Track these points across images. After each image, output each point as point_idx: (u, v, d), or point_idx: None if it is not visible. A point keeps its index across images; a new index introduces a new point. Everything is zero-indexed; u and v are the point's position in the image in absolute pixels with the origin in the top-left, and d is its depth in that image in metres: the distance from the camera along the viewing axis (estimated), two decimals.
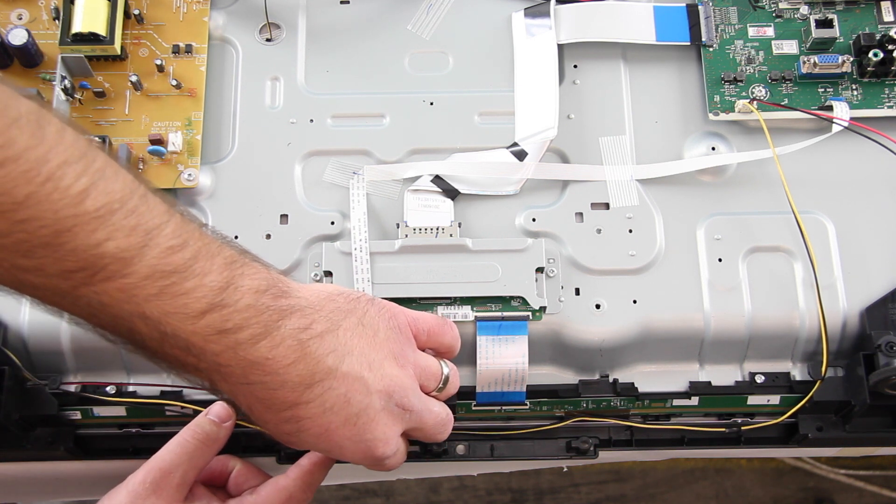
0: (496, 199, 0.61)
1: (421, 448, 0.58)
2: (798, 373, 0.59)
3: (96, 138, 0.59)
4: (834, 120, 0.60)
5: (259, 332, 0.43)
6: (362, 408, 0.46)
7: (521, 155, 0.61)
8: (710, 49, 0.64)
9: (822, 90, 0.62)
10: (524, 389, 0.57)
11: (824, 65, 0.62)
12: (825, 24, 0.62)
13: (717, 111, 0.62)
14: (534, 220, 0.60)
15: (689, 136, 0.62)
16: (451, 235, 0.58)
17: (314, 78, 0.64)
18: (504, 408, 0.59)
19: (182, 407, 0.57)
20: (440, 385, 0.51)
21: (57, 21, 0.63)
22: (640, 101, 0.63)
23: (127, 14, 0.63)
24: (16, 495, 0.69)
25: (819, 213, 0.60)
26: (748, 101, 0.61)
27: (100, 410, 0.58)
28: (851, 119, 0.60)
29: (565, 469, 0.93)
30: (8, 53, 0.61)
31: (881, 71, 0.62)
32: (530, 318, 0.57)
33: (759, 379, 0.58)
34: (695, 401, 0.58)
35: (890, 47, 0.61)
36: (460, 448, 0.59)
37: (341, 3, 0.66)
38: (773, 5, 0.65)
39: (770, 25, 0.64)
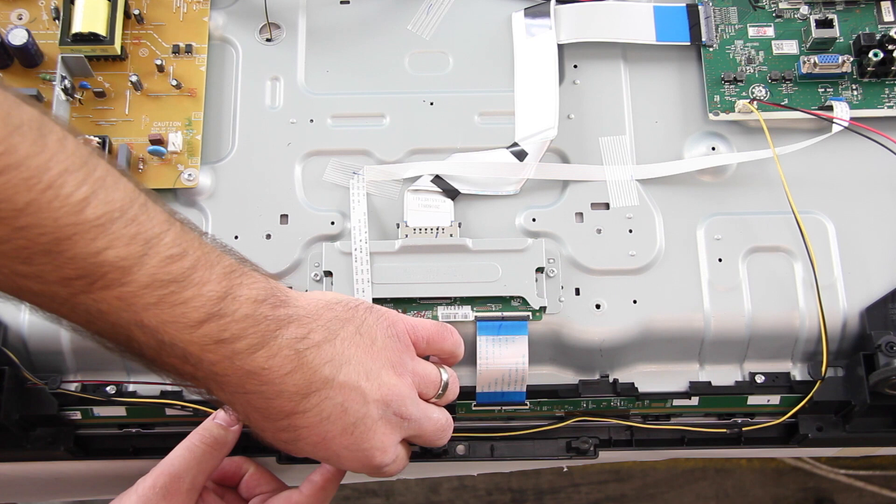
0: (496, 199, 0.61)
1: (421, 448, 0.58)
2: (798, 373, 0.59)
3: (96, 139, 0.59)
4: (834, 120, 0.60)
5: (256, 342, 0.43)
6: (359, 417, 0.46)
7: (521, 155, 0.61)
8: (710, 49, 0.64)
9: (822, 90, 0.62)
10: (524, 389, 0.57)
11: (824, 65, 0.62)
12: (825, 24, 0.62)
13: (717, 111, 0.62)
14: (534, 220, 0.60)
15: (689, 136, 0.62)
16: (451, 235, 0.58)
17: (314, 78, 0.64)
18: (504, 408, 0.59)
19: (182, 407, 0.57)
20: (439, 392, 0.51)
21: (57, 21, 0.63)
22: (640, 101, 0.63)
23: (127, 14, 0.63)
24: (16, 495, 0.69)
25: (819, 213, 0.60)
26: (748, 101, 0.61)
27: (100, 410, 0.58)
28: (851, 119, 0.60)
29: (565, 469, 0.93)
30: (8, 53, 0.61)
31: (881, 71, 0.62)
32: (530, 318, 0.57)
33: (760, 379, 0.58)
34: (695, 401, 0.58)
35: (890, 47, 0.61)
36: (460, 448, 0.59)
37: (341, 3, 0.66)
38: (773, 5, 0.65)
39: (770, 25, 0.64)
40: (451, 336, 0.53)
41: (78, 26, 0.61)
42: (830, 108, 0.61)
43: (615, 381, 0.58)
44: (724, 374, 0.59)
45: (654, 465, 1.26)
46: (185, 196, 0.60)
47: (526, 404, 0.58)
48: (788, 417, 0.58)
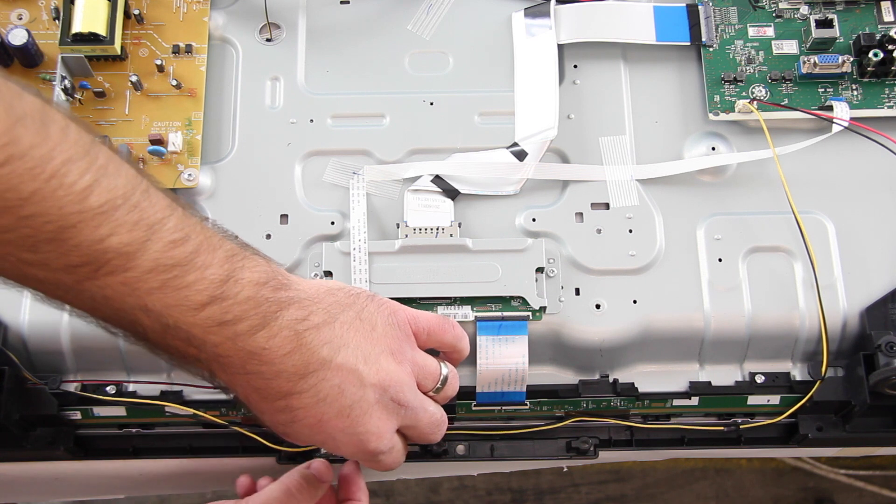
0: (496, 199, 0.61)
1: (421, 448, 0.58)
2: (798, 373, 0.59)
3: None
4: (834, 120, 0.60)
5: (257, 322, 0.43)
6: (356, 400, 0.46)
7: (521, 155, 0.61)
8: (710, 49, 0.64)
9: (822, 90, 0.62)
10: (524, 389, 0.57)
11: (824, 65, 0.62)
12: (825, 24, 0.62)
13: (717, 111, 0.62)
14: (534, 220, 0.60)
15: (689, 136, 0.62)
16: (451, 235, 0.58)
17: (314, 78, 0.64)
18: (504, 408, 0.58)
19: (182, 406, 0.57)
20: (438, 385, 0.51)
21: (57, 21, 0.63)
22: (640, 101, 0.63)
23: (127, 14, 0.63)
24: (16, 495, 0.69)
25: (819, 213, 0.60)
26: (748, 101, 0.61)
27: (100, 410, 0.58)
28: (851, 119, 0.60)
29: (565, 469, 0.93)
30: (8, 53, 0.61)
31: (881, 71, 0.62)
32: (530, 318, 0.57)
33: (759, 379, 0.58)
34: (695, 401, 0.58)
35: (890, 47, 0.61)
36: (460, 448, 0.59)
37: (341, 3, 0.66)
38: (773, 5, 0.65)
39: (770, 25, 0.64)
40: (453, 329, 0.53)
41: (78, 26, 0.61)
42: (830, 108, 0.61)
43: (615, 381, 0.58)
44: (724, 374, 0.59)
45: (654, 465, 1.26)
46: (185, 196, 0.60)
47: (526, 404, 0.58)
48: (788, 417, 0.58)
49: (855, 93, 0.62)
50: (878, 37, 0.62)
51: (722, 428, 0.59)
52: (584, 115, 0.63)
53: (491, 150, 0.61)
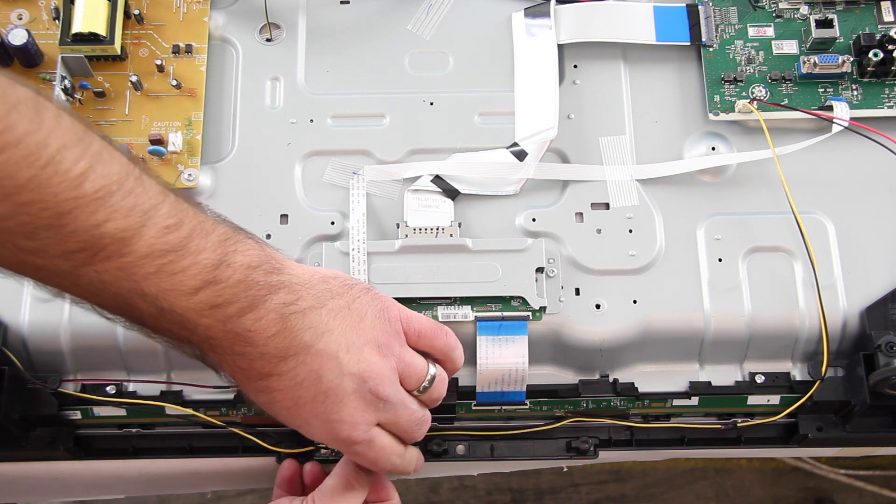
0: (496, 199, 0.61)
1: (421, 448, 0.58)
2: (798, 373, 0.59)
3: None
4: (834, 120, 0.60)
5: (246, 305, 0.44)
6: (332, 387, 0.47)
7: (521, 155, 0.61)
8: (710, 49, 0.64)
9: (822, 90, 0.62)
10: (524, 389, 0.57)
11: (824, 65, 0.62)
12: (825, 24, 0.62)
13: (717, 111, 0.62)
14: (534, 220, 0.60)
15: (689, 136, 0.62)
16: (451, 235, 0.58)
17: (314, 78, 0.64)
18: (504, 408, 0.59)
19: (182, 406, 0.57)
20: (424, 384, 0.51)
21: (57, 21, 0.63)
22: (640, 101, 0.63)
23: (127, 14, 0.63)
24: (16, 495, 0.69)
25: (819, 213, 0.60)
26: (748, 101, 0.61)
27: (100, 410, 0.58)
28: (851, 119, 0.60)
29: (565, 469, 0.93)
30: (8, 53, 0.61)
31: (881, 71, 0.62)
32: (530, 318, 0.57)
33: (759, 379, 0.58)
34: (695, 401, 0.58)
35: (890, 47, 0.61)
36: (460, 448, 0.59)
37: (341, 3, 0.66)
38: (773, 5, 0.65)
39: (770, 25, 0.64)
40: (446, 337, 0.52)
41: (78, 26, 0.61)
42: (830, 108, 0.61)
43: (615, 381, 0.58)
44: (724, 374, 0.59)
45: (654, 465, 1.26)
46: None
47: (526, 404, 0.58)
48: (788, 416, 0.58)
49: (855, 93, 0.62)
50: (878, 37, 0.62)
51: (722, 428, 0.59)
52: (584, 115, 0.63)
53: (491, 150, 0.61)
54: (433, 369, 0.51)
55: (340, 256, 0.57)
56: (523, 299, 0.56)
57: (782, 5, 0.65)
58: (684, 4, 0.65)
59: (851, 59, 0.62)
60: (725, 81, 0.63)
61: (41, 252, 0.39)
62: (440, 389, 0.52)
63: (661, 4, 0.65)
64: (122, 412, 0.58)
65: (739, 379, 0.58)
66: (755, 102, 0.61)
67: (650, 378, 0.59)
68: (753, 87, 0.62)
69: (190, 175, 0.60)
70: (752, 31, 0.64)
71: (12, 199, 0.37)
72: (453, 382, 0.57)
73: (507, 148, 0.61)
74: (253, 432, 0.58)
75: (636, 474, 1.27)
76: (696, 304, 0.58)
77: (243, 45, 0.65)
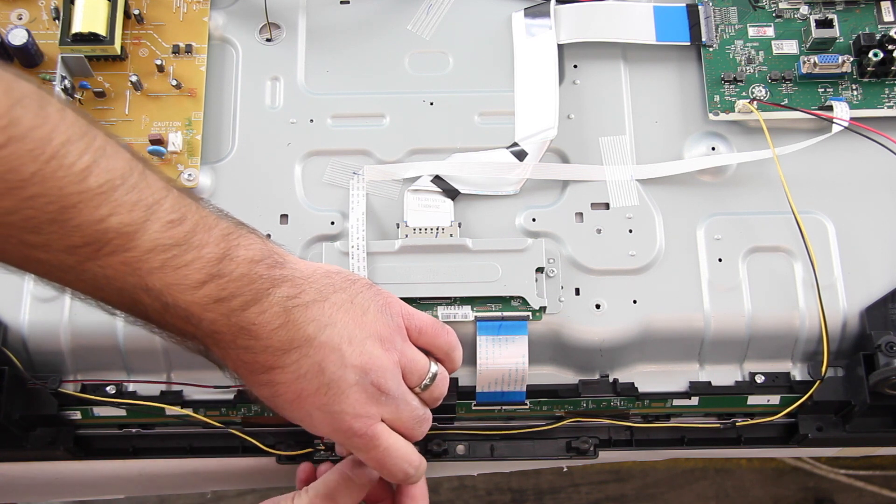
0: (496, 199, 0.61)
1: (421, 448, 0.58)
2: (798, 373, 0.59)
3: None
4: (834, 120, 0.60)
5: (249, 298, 0.44)
6: (334, 378, 0.46)
7: (521, 155, 0.61)
8: (710, 49, 0.64)
9: (822, 90, 0.62)
10: (524, 389, 0.57)
11: (824, 65, 0.62)
12: (825, 24, 0.62)
13: (717, 111, 0.62)
14: (534, 220, 0.60)
15: (689, 136, 0.62)
16: (451, 235, 0.58)
17: (314, 78, 0.64)
18: (504, 408, 0.59)
19: (182, 406, 0.57)
20: (425, 382, 0.50)
21: (57, 21, 0.63)
22: (640, 101, 0.63)
23: (127, 14, 0.63)
24: (16, 495, 0.69)
25: (819, 213, 0.60)
26: (748, 101, 0.61)
27: (100, 410, 0.58)
28: (851, 119, 0.60)
29: (565, 469, 0.93)
30: (8, 53, 0.61)
31: (881, 71, 0.62)
32: (530, 318, 0.57)
33: (759, 379, 0.58)
34: (695, 401, 0.58)
35: (890, 47, 0.61)
36: (460, 448, 0.59)
37: (341, 3, 0.66)
38: (773, 5, 0.65)
39: (770, 25, 0.64)
40: (447, 335, 0.52)
41: (78, 26, 0.61)
42: (830, 108, 0.61)
43: (615, 381, 0.58)
44: (724, 374, 0.59)
45: (654, 465, 1.26)
46: None
47: (526, 404, 0.58)
48: (788, 416, 0.58)
49: (855, 93, 0.62)
50: (878, 37, 0.62)
51: (722, 428, 0.59)
52: (584, 115, 0.63)
53: (491, 150, 0.61)
54: (435, 367, 0.51)
55: (340, 256, 0.57)
56: (523, 299, 0.56)
57: (782, 5, 0.65)
58: (684, 4, 0.65)
59: (851, 59, 0.62)
60: (725, 81, 0.63)
61: (45, 247, 0.40)
62: (441, 388, 0.52)
63: (661, 4, 0.65)
64: (122, 412, 0.58)
65: (739, 379, 0.58)
66: (755, 102, 0.61)
67: (650, 378, 0.59)
68: (753, 87, 0.62)
69: (190, 175, 0.60)
70: (752, 31, 0.64)
71: (17, 194, 0.38)
72: (453, 382, 0.57)
73: (507, 148, 0.61)
74: (251, 433, 0.58)
75: (636, 474, 1.27)
76: (696, 304, 0.58)
77: (243, 45, 0.65)
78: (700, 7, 0.64)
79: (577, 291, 0.58)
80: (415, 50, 0.65)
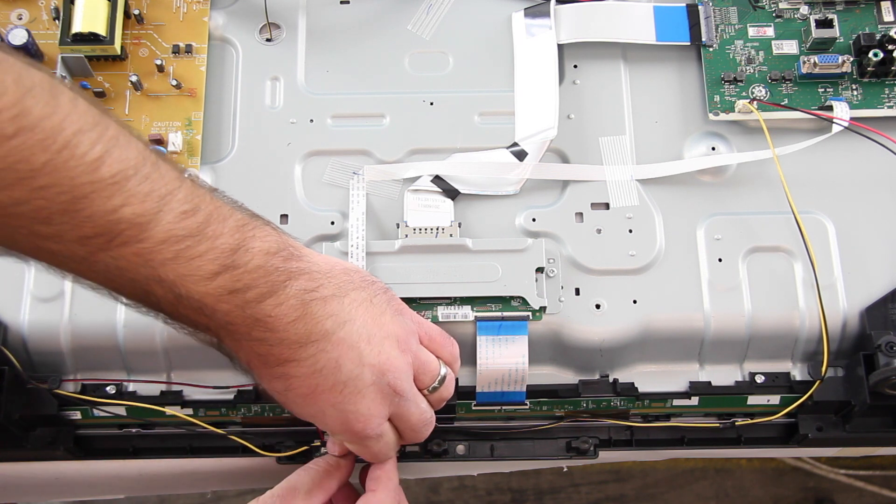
0: (496, 199, 0.61)
1: (421, 448, 0.58)
2: (798, 373, 0.59)
3: None
4: (834, 120, 0.60)
5: (265, 290, 0.44)
6: (351, 377, 0.46)
7: (521, 155, 0.61)
8: (710, 49, 0.64)
9: (822, 90, 0.62)
10: (524, 389, 0.57)
11: (824, 65, 0.62)
12: (825, 24, 0.62)
13: (717, 111, 0.62)
14: (534, 220, 0.60)
15: (689, 136, 0.62)
16: (451, 235, 0.58)
17: (314, 78, 0.64)
18: (504, 408, 0.59)
19: (182, 406, 0.57)
20: (435, 385, 0.51)
21: (57, 21, 0.63)
22: (640, 101, 0.63)
23: (127, 14, 0.63)
24: (16, 495, 0.69)
25: (819, 213, 0.60)
26: (748, 101, 0.61)
27: (100, 410, 0.58)
28: (851, 119, 0.60)
29: (565, 469, 0.93)
30: None
31: (881, 71, 0.62)
32: (530, 318, 0.57)
33: (759, 379, 0.58)
34: (695, 401, 0.58)
35: (890, 47, 0.61)
36: (460, 448, 0.59)
37: (341, 3, 0.66)
38: (773, 5, 0.65)
39: (770, 25, 0.64)
40: (452, 347, 0.53)
41: (78, 26, 0.61)
42: (830, 108, 0.61)
43: (615, 381, 0.58)
44: (724, 374, 0.59)
45: (654, 465, 1.26)
46: None
47: (526, 404, 0.58)
48: (788, 416, 0.58)
49: (855, 93, 0.62)
50: (878, 37, 0.62)
51: (722, 428, 0.59)
52: (584, 115, 0.63)
53: (491, 150, 0.61)
54: (444, 370, 0.52)
55: (340, 256, 0.57)
56: (523, 299, 0.56)
57: (782, 5, 0.65)
58: (684, 4, 0.65)
59: (851, 59, 0.62)
60: (725, 81, 0.63)
61: (57, 237, 0.39)
62: (449, 389, 0.52)
63: (661, 4, 0.65)
64: (122, 412, 0.58)
65: (739, 379, 0.59)
66: (755, 102, 0.61)
67: (650, 378, 0.59)
68: (753, 87, 0.62)
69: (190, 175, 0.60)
70: (752, 31, 0.64)
71: (28, 184, 0.37)
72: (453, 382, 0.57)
73: (507, 148, 0.61)
74: (248, 437, 0.58)
75: (636, 474, 1.27)
76: (696, 304, 0.58)
77: (243, 45, 0.65)
78: (700, 7, 0.64)
79: (577, 291, 0.58)
80: (415, 50, 0.65)
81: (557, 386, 0.58)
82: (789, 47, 0.63)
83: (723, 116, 0.62)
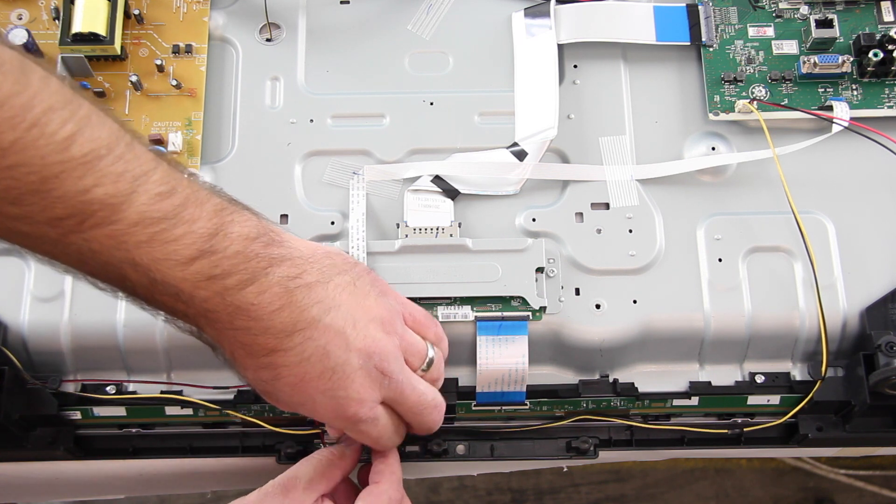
0: (496, 199, 0.61)
1: (421, 448, 0.58)
2: (798, 373, 0.59)
3: None
4: (834, 120, 0.60)
5: (246, 277, 0.43)
6: (339, 363, 0.46)
7: (521, 155, 0.61)
8: (710, 49, 0.64)
9: (822, 90, 0.62)
10: (524, 389, 0.57)
11: (824, 65, 0.62)
12: (825, 24, 0.62)
13: (717, 111, 0.62)
14: (534, 220, 0.60)
15: (689, 136, 0.62)
16: (451, 235, 0.58)
17: (314, 78, 0.64)
18: (504, 408, 0.58)
19: (182, 406, 0.57)
20: (423, 366, 0.51)
21: (57, 21, 0.63)
22: (640, 101, 0.63)
23: (127, 14, 0.63)
24: (16, 495, 0.69)
25: (819, 213, 0.60)
26: (748, 101, 0.61)
27: (100, 410, 0.58)
28: (851, 119, 0.60)
29: (565, 469, 0.93)
30: None
31: (881, 71, 0.62)
32: (530, 318, 0.57)
33: (760, 379, 0.58)
34: (695, 401, 0.58)
35: (890, 47, 0.61)
36: (460, 448, 0.59)
37: (341, 3, 0.66)
38: (773, 5, 0.65)
39: (770, 25, 0.64)
40: (436, 327, 0.53)
41: (78, 26, 0.61)
42: (830, 108, 0.61)
43: (615, 381, 0.58)
44: (724, 374, 0.59)
45: (654, 465, 1.26)
46: None
47: (526, 404, 0.58)
48: (788, 417, 0.58)
49: (855, 93, 0.62)
50: (878, 37, 0.62)
51: (722, 429, 0.59)
52: (584, 115, 0.63)
53: (491, 150, 0.61)
54: (432, 351, 0.52)
55: None
56: (523, 299, 0.56)
57: (782, 5, 0.65)
58: (684, 4, 0.65)
59: (851, 59, 0.62)
60: (725, 81, 0.63)
61: (27, 218, 0.38)
62: (439, 369, 0.52)
63: (661, 4, 0.65)
64: (122, 412, 0.58)
65: (739, 379, 0.58)
66: (755, 102, 0.61)
67: (650, 378, 0.59)
68: (753, 87, 0.62)
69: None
70: (752, 31, 0.64)
71: None
72: (453, 382, 0.57)
73: (507, 148, 0.61)
74: (253, 432, 0.58)
75: (636, 474, 1.28)
76: (696, 304, 0.58)
77: (243, 45, 0.65)
78: (700, 7, 0.64)
79: (577, 291, 0.58)
80: (415, 50, 0.65)
81: (557, 386, 0.58)
82: (789, 47, 0.63)
83: (723, 116, 0.62)
